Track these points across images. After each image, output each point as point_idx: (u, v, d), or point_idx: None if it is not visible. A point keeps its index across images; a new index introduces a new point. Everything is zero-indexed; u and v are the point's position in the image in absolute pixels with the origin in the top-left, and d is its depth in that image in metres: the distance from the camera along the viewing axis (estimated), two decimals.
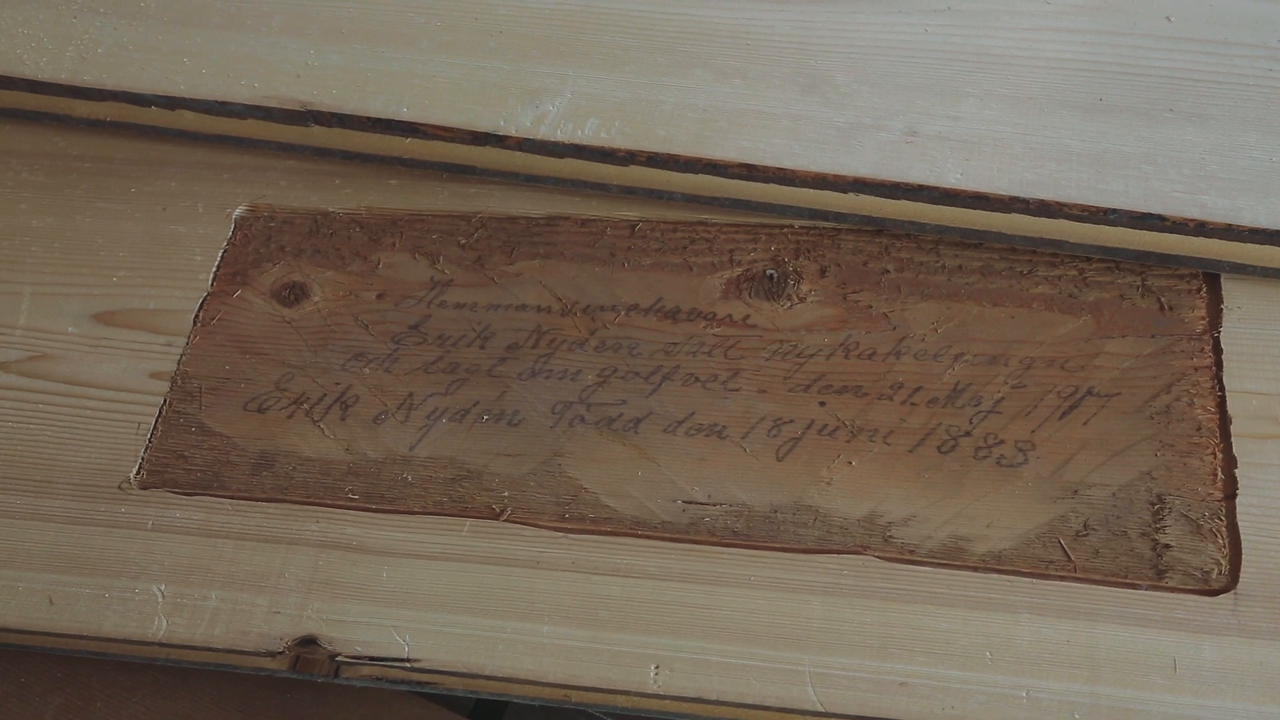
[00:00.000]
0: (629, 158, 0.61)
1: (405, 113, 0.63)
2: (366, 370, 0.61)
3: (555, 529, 0.56)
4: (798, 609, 0.53)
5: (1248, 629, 0.51)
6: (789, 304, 0.61)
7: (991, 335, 0.59)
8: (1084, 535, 0.54)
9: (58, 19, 0.67)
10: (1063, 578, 0.53)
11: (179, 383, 0.61)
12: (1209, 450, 0.55)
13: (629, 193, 0.63)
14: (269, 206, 0.66)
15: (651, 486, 0.57)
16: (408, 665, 0.53)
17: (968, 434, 0.57)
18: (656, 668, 0.52)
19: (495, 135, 0.62)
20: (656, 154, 0.61)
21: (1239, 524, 0.53)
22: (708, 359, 0.60)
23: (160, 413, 0.60)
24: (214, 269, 0.64)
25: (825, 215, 0.62)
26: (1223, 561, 0.53)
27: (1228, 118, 0.60)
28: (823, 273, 0.62)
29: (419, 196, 0.66)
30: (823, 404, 0.58)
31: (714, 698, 0.52)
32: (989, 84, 0.62)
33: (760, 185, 0.61)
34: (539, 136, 0.62)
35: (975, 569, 0.54)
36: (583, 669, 0.53)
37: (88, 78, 0.65)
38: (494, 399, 0.60)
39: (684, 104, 0.62)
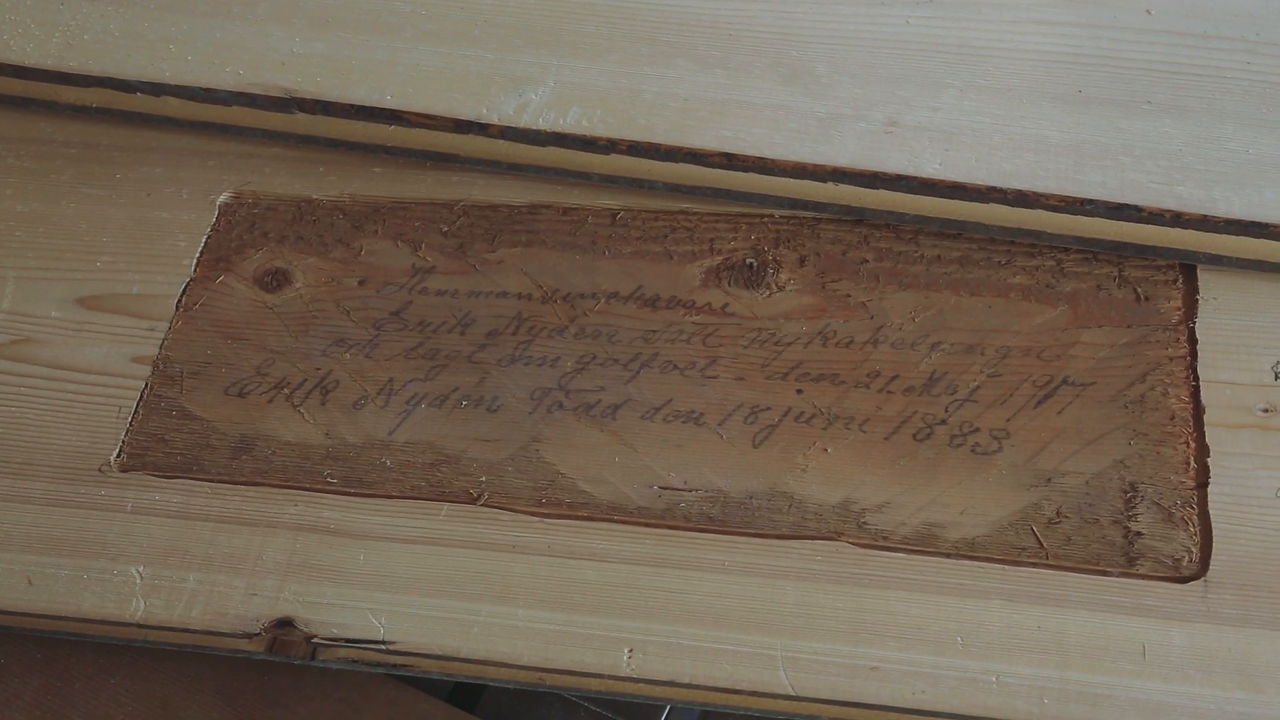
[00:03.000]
0: (610, 146, 0.61)
1: (389, 100, 0.63)
2: (347, 356, 0.61)
3: (532, 514, 0.56)
4: (771, 594, 0.53)
5: (1217, 616, 0.51)
6: (768, 293, 0.61)
7: (969, 324, 0.59)
8: (1056, 523, 0.54)
9: (45, 5, 0.67)
10: (1034, 565, 0.53)
11: (160, 367, 0.61)
12: (1182, 439, 0.56)
13: (610, 181, 0.64)
14: (253, 193, 0.67)
15: (628, 472, 0.57)
16: (383, 648, 0.54)
17: (943, 422, 0.57)
18: (630, 651, 0.53)
19: (478, 123, 0.62)
20: (638, 143, 0.61)
21: (1210, 512, 0.54)
22: (686, 346, 0.60)
23: (141, 396, 0.61)
24: (197, 255, 0.65)
25: (805, 205, 0.62)
26: (1193, 549, 0.53)
27: (1205, 110, 0.60)
28: (802, 262, 0.62)
29: (402, 184, 0.66)
30: (800, 392, 0.58)
31: (687, 681, 0.52)
32: (969, 75, 0.62)
33: (740, 175, 0.61)
34: (521, 125, 0.62)
35: (948, 555, 0.54)
36: (557, 652, 0.53)
37: (74, 63, 0.65)
38: (473, 385, 0.60)
39: (666, 93, 0.62)
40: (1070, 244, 0.60)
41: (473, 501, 0.57)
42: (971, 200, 0.59)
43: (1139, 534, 0.54)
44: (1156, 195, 0.57)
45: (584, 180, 0.64)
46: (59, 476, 0.58)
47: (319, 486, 0.58)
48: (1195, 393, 0.56)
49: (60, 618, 0.55)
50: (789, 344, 0.60)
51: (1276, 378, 0.57)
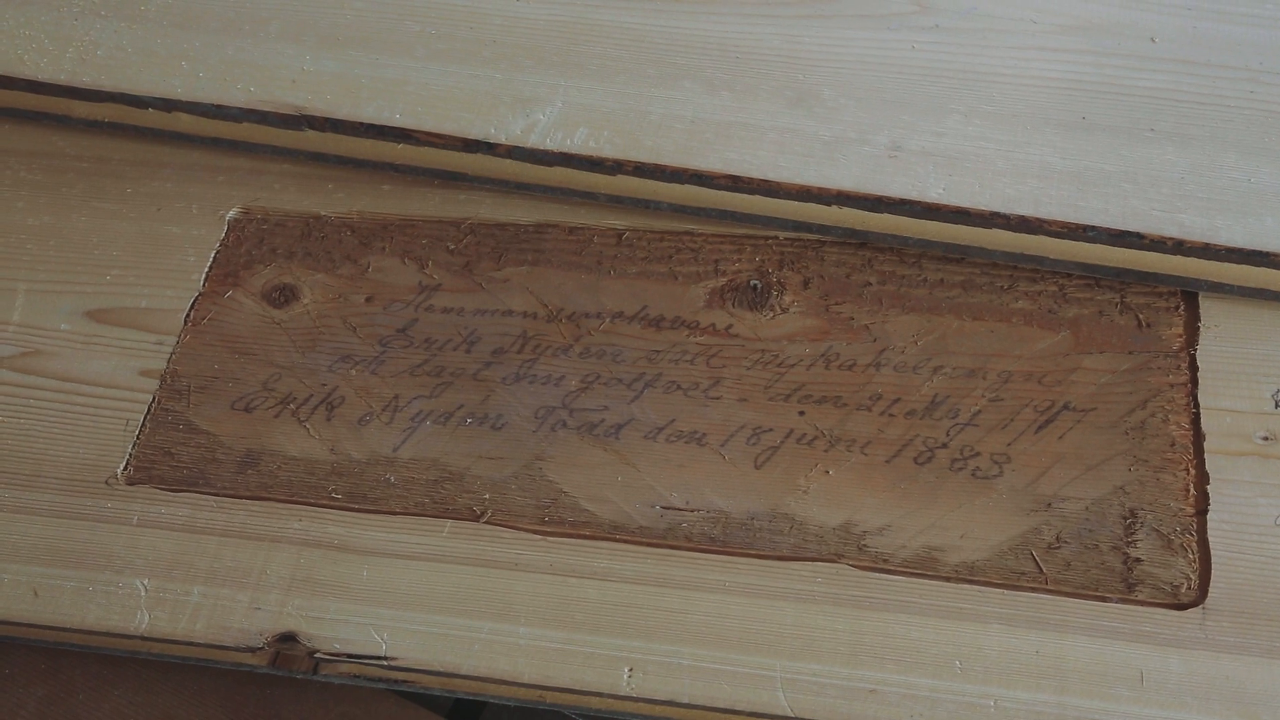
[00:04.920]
0: (617, 167, 0.62)
1: (398, 119, 0.63)
2: (353, 372, 0.62)
3: (534, 532, 0.57)
4: (771, 615, 0.54)
5: (1215, 643, 0.52)
6: (771, 314, 0.62)
7: (971, 349, 0.60)
8: (1056, 548, 0.54)
9: (59, 21, 0.68)
10: (1034, 589, 0.54)
11: (168, 381, 0.62)
12: (1182, 466, 0.56)
13: (617, 202, 0.64)
14: (262, 209, 0.67)
15: (631, 491, 0.57)
16: (385, 663, 0.54)
17: (944, 446, 0.57)
18: (630, 670, 0.53)
19: (486, 143, 0.63)
20: (644, 164, 0.62)
21: (1209, 539, 0.54)
22: (690, 367, 0.61)
23: (149, 410, 0.61)
24: (206, 269, 0.65)
25: (809, 227, 0.62)
26: (1192, 576, 0.53)
27: (1208, 139, 0.61)
28: (806, 284, 0.62)
29: (410, 202, 0.67)
30: (802, 413, 0.59)
31: (686, 700, 0.52)
32: (973, 101, 0.63)
33: (746, 196, 0.61)
34: (529, 145, 0.62)
35: (947, 579, 0.54)
36: (557, 670, 0.53)
37: (87, 79, 0.66)
38: (478, 403, 0.60)
39: (672, 115, 0.63)
40: (1073, 270, 0.60)
41: (476, 519, 0.57)
42: (974, 225, 0.59)
43: (1138, 560, 0.54)
44: (1158, 223, 0.58)
45: (590, 200, 0.65)
46: (66, 489, 0.59)
47: (323, 502, 0.58)
48: (1196, 420, 0.57)
49: (65, 629, 0.56)
50: (792, 366, 0.60)
51: (1277, 405, 0.57)
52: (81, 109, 0.67)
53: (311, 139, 0.65)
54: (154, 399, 0.61)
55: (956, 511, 0.56)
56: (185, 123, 0.66)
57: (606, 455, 0.59)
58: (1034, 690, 0.51)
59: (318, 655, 0.54)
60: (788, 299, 0.62)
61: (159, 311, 0.64)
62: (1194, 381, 0.58)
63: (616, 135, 0.62)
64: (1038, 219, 0.58)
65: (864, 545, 0.55)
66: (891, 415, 0.58)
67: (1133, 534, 0.54)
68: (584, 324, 0.62)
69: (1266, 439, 0.56)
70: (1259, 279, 0.58)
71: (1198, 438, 0.56)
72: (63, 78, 0.65)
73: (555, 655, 0.54)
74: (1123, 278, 0.60)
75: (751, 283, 0.63)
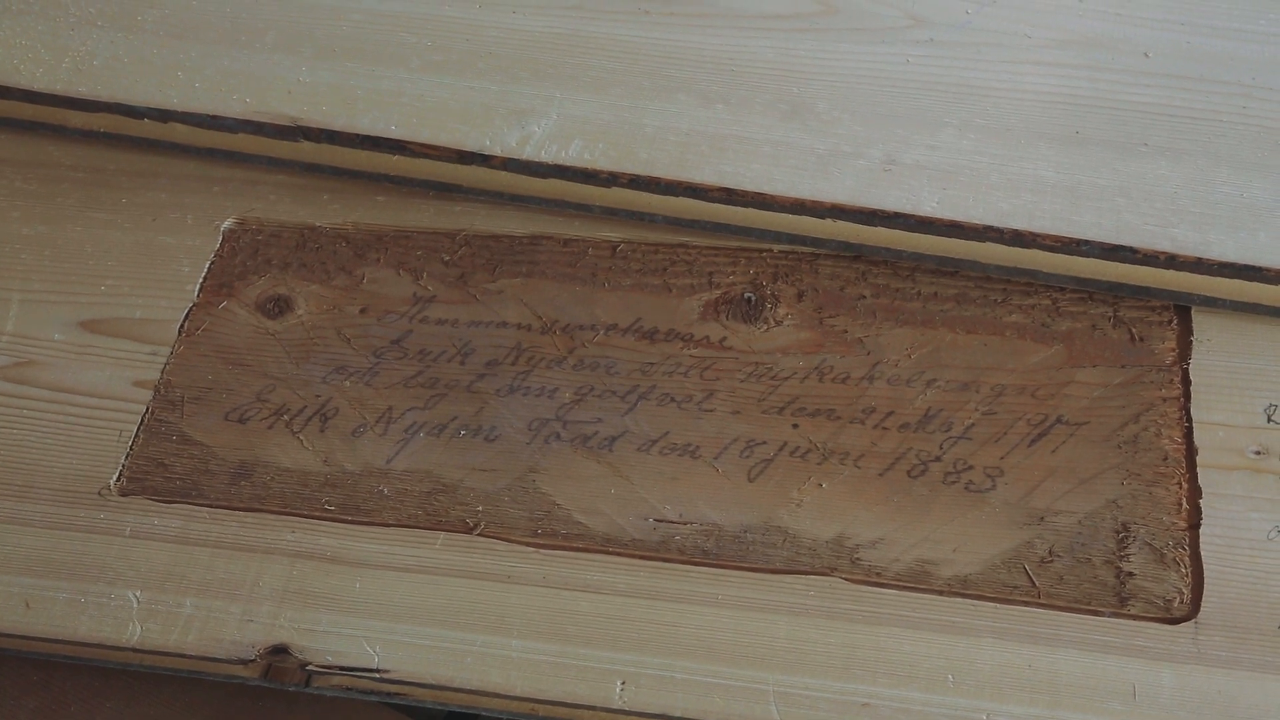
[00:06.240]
0: (611, 179, 0.62)
1: (393, 130, 0.64)
2: (347, 383, 0.62)
3: (527, 544, 0.57)
4: (764, 628, 0.54)
5: (1207, 658, 0.52)
6: (765, 327, 0.62)
7: (964, 362, 0.60)
8: (1049, 562, 0.54)
9: (55, 31, 0.68)
10: (1026, 603, 0.54)
11: (162, 391, 0.62)
12: (1174, 480, 0.56)
13: (611, 214, 0.64)
14: (257, 220, 0.67)
15: (624, 504, 0.57)
16: (377, 676, 0.54)
17: (938, 459, 0.57)
18: (623, 683, 0.53)
19: (481, 155, 0.63)
20: (638, 176, 0.62)
21: (1202, 554, 0.54)
22: (684, 379, 0.61)
23: (142, 421, 0.61)
24: (200, 280, 0.65)
25: (804, 240, 0.62)
26: (1185, 590, 0.53)
27: (1201, 153, 0.61)
28: (800, 297, 0.62)
29: (405, 213, 0.67)
30: (795, 426, 0.59)
31: (678, 714, 0.52)
32: (967, 115, 0.63)
33: (740, 209, 0.62)
34: (524, 157, 0.63)
35: (940, 593, 0.54)
36: (550, 683, 0.53)
37: (83, 89, 0.66)
38: (472, 414, 0.60)
39: (667, 128, 0.63)
40: (1066, 284, 0.60)
41: (469, 531, 0.57)
42: (968, 239, 0.59)
43: (1131, 574, 0.54)
44: (1151, 237, 0.58)
45: (585, 212, 0.65)
46: (59, 499, 0.59)
47: (317, 513, 0.58)
48: (1188, 434, 0.57)
49: (57, 640, 0.56)
50: (786, 378, 0.60)
51: (1269, 420, 0.57)
52: (77, 119, 0.67)
53: (307, 150, 0.65)
54: (147, 410, 0.61)
55: (949, 525, 0.56)
56: (181, 133, 0.66)
57: (600, 468, 0.59)
58: (1026, 704, 0.51)
59: (310, 668, 0.54)
60: (782, 312, 0.62)
61: (153, 322, 0.64)
62: (1186, 396, 0.58)
63: (611, 148, 0.62)
64: (1031, 233, 0.58)
65: (857, 558, 0.55)
66: (885, 428, 0.58)
67: (1125, 548, 0.54)
68: (578, 336, 0.62)
69: (1259, 453, 0.56)
70: (1251, 294, 0.58)
71: (1190, 452, 0.56)
72: (59, 88, 0.66)
73: (548, 668, 0.54)
74: (1116, 292, 0.60)
75: (745, 295, 0.63)
